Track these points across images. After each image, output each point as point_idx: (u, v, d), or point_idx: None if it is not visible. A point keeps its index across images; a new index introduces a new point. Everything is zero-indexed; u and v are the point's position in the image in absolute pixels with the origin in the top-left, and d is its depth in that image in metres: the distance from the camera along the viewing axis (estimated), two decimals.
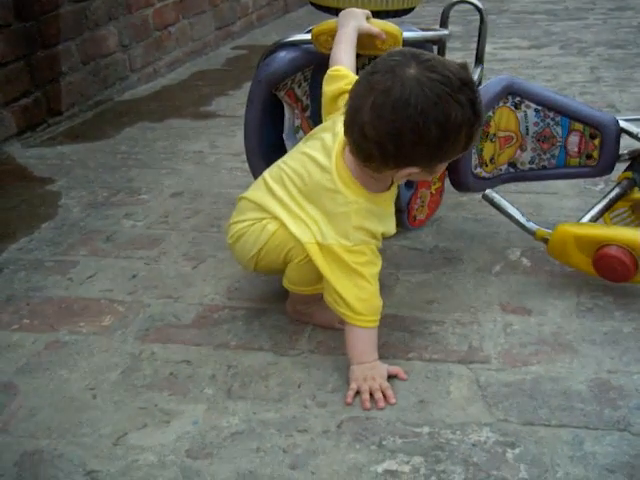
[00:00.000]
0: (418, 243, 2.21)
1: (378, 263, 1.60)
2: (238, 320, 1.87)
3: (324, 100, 1.75)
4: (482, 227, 2.30)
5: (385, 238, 1.64)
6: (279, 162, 1.70)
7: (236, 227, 1.70)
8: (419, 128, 1.38)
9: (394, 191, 1.64)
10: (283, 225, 1.60)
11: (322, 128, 1.68)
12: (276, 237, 1.63)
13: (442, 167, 1.53)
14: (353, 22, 1.81)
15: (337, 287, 1.56)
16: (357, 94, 1.44)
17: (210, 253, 2.22)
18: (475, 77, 2.15)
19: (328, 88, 1.72)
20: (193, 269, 2.14)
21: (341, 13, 1.83)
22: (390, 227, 1.65)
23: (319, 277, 1.61)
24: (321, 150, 1.60)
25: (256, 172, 1.98)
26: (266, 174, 1.70)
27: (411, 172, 1.48)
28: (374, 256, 1.59)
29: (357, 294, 1.55)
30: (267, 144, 2.03)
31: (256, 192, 1.69)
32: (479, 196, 2.11)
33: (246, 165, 2.14)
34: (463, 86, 1.39)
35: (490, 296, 1.93)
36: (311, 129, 1.98)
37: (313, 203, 1.58)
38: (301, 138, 1.95)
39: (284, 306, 1.86)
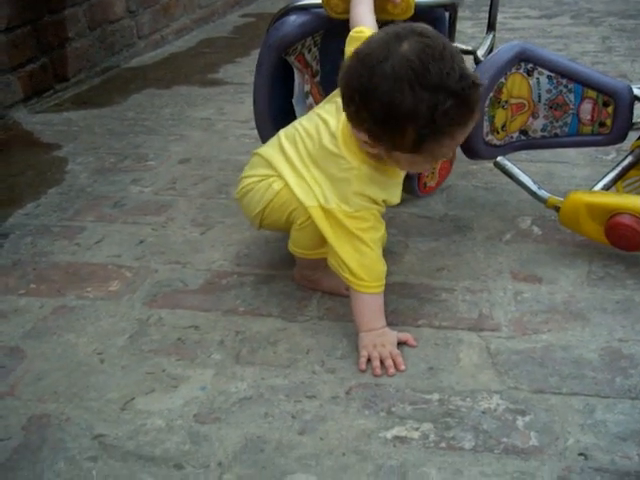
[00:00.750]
0: (428, 211, 2.20)
1: (380, 228, 1.60)
2: (246, 286, 1.86)
3: (347, 54, 1.68)
4: (493, 195, 2.28)
5: (388, 206, 1.64)
6: (295, 122, 1.71)
7: (245, 181, 1.71)
8: (366, 94, 1.38)
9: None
10: (287, 185, 1.61)
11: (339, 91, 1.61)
12: (280, 196, 1.63)
13: (400, 158, 1.48)
14: None
15: (340, 252, 1.55)
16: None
17: (218, 219, 2.21)
18: (487, 44, 2.17)
19: (349, 49, 1.66)
20: (201, 235, 2.13)
21: None
22: (394, 196, 1.64)
23: (322, 241, 1.61)
24: (334, 114, 1.59)
25: (265, 138, 1.96)
26: (282, 132, 1.70)
27: (365, 140, 1.47)
28: (376, 221, 1.58)
29: (359, 259, 1.55)
30: (276, 109, 2.01)
31: (268, 149, 1.69)
32: (490, 164, 2.11)
33: (254, 132, 2.12)
34: (439, 88, 1.34)
35: (500, 264, 1.91)
36: (321, 94, 2.02)
37: (320, 166, 1.58)
38: (311, 104, 1.98)
39: (292, 273, 1.86)
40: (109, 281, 1.92)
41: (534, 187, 1.99)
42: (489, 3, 2.25)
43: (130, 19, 3.88)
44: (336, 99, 1.61)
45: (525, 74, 1.99)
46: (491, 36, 2.18)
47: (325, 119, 1.61)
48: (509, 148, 2.08)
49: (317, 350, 1.62)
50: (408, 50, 1.34)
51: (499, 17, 3.79)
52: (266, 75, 1.97)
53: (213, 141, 2.82)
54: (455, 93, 1.34)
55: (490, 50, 2.16)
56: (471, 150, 2.03)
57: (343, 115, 1.51)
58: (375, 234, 1.58)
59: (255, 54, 2.04)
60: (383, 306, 1.61)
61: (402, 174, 1.65)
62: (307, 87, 2.02)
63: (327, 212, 1.56)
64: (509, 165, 2.01)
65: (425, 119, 1.35)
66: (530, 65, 1.98)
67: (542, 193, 1.97)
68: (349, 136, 1.53)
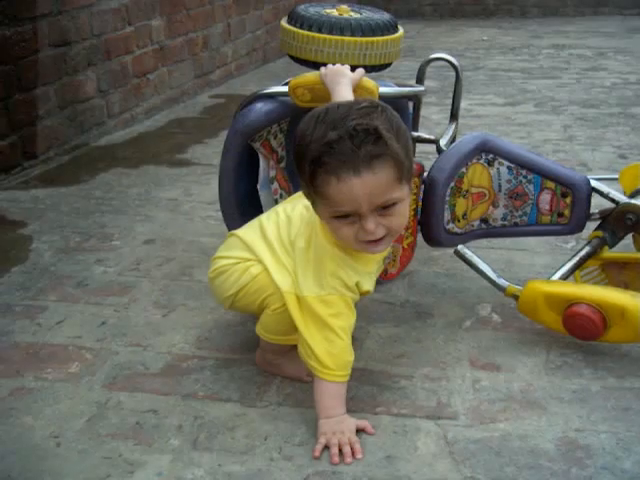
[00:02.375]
0: (389, 297, 2.19)
1: (351, 317, 1.58)
2: (206, 370, 1.84)
3: None
4: (453, 282, 2.28)
5: (362, 294, 1.63)
6: (278, 207, 1.71)
7: (220, 262, 1.68)
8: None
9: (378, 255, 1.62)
10: (266, 270, 1.59)
11: None
12: (257, 281, 1.61)
13: (322, 212, 1.50)
14: (345, 79, 1.83)
15: (309, 340, 1.54)
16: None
17: (181, 301, 2.19)
18: (449, 133, 2.19)
19: None
20: (163, 317, 2.11)
21: (328, 72, 1.84)
22: (367, 282, 1.62)
23: (293, 327, 1.60)
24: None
25: (229, 221, 2.01)
26: (263, 217, 1.70)
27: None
28: (347, 308, 1.57)
29: (327, 348, 1.54)
30: (241, 193, 2.03)
31: (248, 232, 1.68)
32: (451, 251, 2.11)
33: (220, 214, 2.13)
34: (336, 124, 1.38)
35: (460, 351, 1.91)
36: (286, 180, 2.07)
37: (298, 252, 1.58)
38: (276, 189, 2.02)
39: (253, 357, 1.84)
40: (69, 362, 1.89)
41: (493, 275, 2.00)
42: (453, 95, 2.28)
43: (101, 98, 3.92)
44: None
45: (486, 164, 2.02)
46: (454, 126, 2.21)
47: (306, 206, 1.61)
48: (470, 236, 2.10)
49: (275, 436, 1.60)
50: (339, 108, 1.41)
51: (465, 104, 4.10)
52: (232, 160, 2.01)
53: (179, 222, 2.81)
54: (347, 130, 1.37)
55: (453, 140, 2.19)
56: (432, 238, 2.05)
57: None
58: (346, 322, 1.57)
59: (223, 135, 2.08)
60: (345, 394, 1.59)
61: (373, 264, 1.64)
62: (272, 173, 2.05)
63: (301, 300, 1.55)
64: (469, 254, 2.03)
65: (315, 150, 1.39)
66: (491, 156, 2.02)
67: (501, 282, 1.98)
68: (323, 225, 1.55)
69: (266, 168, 2.03)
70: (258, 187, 2.02)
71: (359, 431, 1.60)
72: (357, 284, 1.58)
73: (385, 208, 1.44)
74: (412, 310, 2.14)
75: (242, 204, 2.04)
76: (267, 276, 1.59)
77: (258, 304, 1.63)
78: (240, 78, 5.50)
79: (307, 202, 1.56)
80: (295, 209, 1.65)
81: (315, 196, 1.44)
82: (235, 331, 2.02)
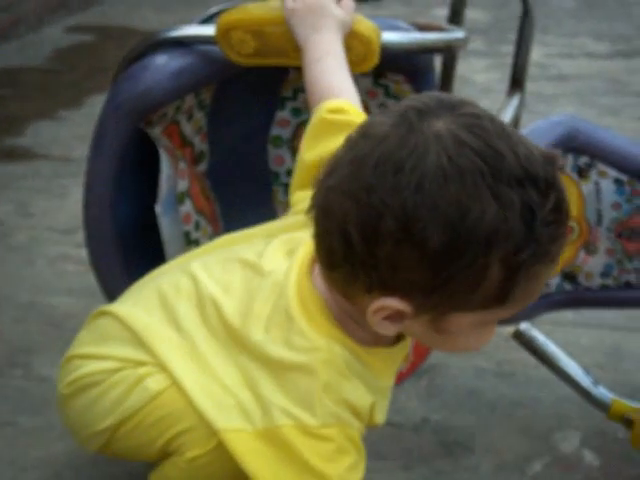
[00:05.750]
0: (395, 413, 1.52)
1: (360, 463, 1.17)
2: None
3: (306, 161, 1.32)
4: (510, 388, 1.68)
5: (368, 426, 1.21)
6: (195, 265, 1.28)
7: (85, 366, 1.23)
8: (406, 221, 0.98)
9: (404, 348, 1.24)
10: (177, 385, 1.17)
11: (287, 224, 1.31)
12: (160, 404, 1.19)
13: (459, 323, 1.08)
14: (329, 21, 1.43)
15: None
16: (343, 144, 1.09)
17: (5, 418, 1.54)
18: (509, 113, 1.72)
19: (319, 144, 1.29)
20: None
21: (298, 5, 1.43)
22: (383, 409, 1.24)
23: None
24: (279, 256, 1.23)
25: (102, 267, 1.53)
26: (164, 280, 1.28)
27: (391, 307, 1.04)
28: (353, 447, 1.14)
29: None
30: (126, 219, 1.50)
31: (138, 308, 1.25)
32: (505, 332, 1.57)
33: (83, 252, 1.59)
34: (526, 180, 0.99)
35: None
36: (206, 196, 1.65)
37: (251, 348, 1.18)
38: (187, 214, 1.55)
39: None
40: None
41: (586, 381, 1.47)
42: (515, 41, 1.71)
43: None
44: (280, 235, 1.27)
45: (575, 175, 1.49)
46: (517, 99, 1.71)
47: (258, 265, 1.22)
48: (541, 305, 1.56)
49: None
50: (450, 130, 1.01)
51: (537, 54, 2.98)
52: (111, 157, 1.46)
53: (7, 266, 2.05)
54: (549, 184, 1.01)
55: (515, 124, 1.73)
56: None
57: (299, 260, 1.18)
58: (354, 472, 1.15)
59: (92, 104, 1.99)
60: None
61: (394, 370, 1.26)
62: (183, 184, 1.53)
63: (265, 436, 1.15)
64: (540, 339, 1.50)
65: (520, 235, 1.01)
66: (585, 159, 1.49)
67: (600, 393, 1.47)
68: (310, 293, 1.16)
69: (172, 174, 1.49)
70: (157, 209, 1.47)
71: None
72: (371, 407, 1.19)
73: None
74: (434, 439, 1.54)
75: (127, 237, 1.49)
76: (181, 397, 1.17)
77: (159, 446, 1.20)
78: None
79: (262, 260, 1.22)
80: (228, 270, 1.26)
81: (483, 308, 1.06)
82: (105, 476, 1.43)
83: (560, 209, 1.02)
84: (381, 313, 1.05)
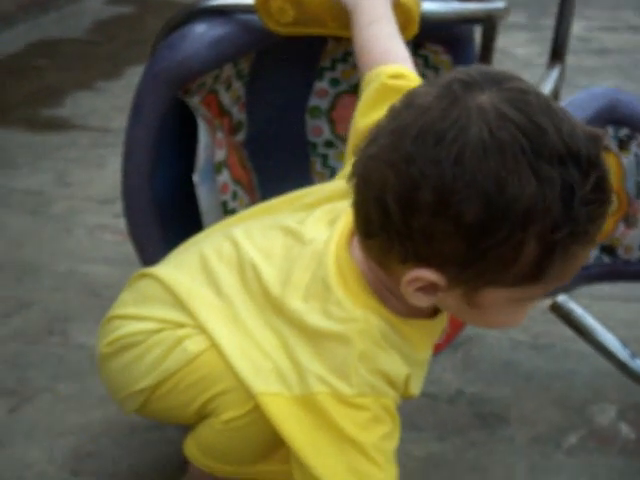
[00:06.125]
0: (430, 384, 1.50)
1: (395, 432, 1.16)
2: None
3: (360, 129, 1.29)
4: (546, 361, 1.66)
5: (404, 398, 1.21)
6: (237, 231, 1.27)
7: (125, 327, 1.23)
8: (443, 191, 0.97)
9: (442, 321, 1.23)
10: (216, 348, 1.17)
11: (330, 192, 1.29)
12: (199, 366, 1.18)
13: (492, 299, 1.06)
14: None
15: (322, 476, 1.12)
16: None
17: (43, 384, 1.54)
18: (549, 85, 1.69)
19: (375, 110, 1.26)
20: (10, 414, 1.47)
21: None
22: (417, 378, 1.23)
23: (264, 450, 1.21)
24: (321, 226, 1.23)
25: (140, 239, 1.51)
26: (206, 245, 1.28)
27: (425, 279, 1.04)
28: (389, 417, 1.14)
29: None
30: (164, 188, 1.49)
31: (179, 272, 1.25)
32: (542, 306, 1.59)
33: (120, 222, 1.62)
34: (567, 157, 0.97)
35: None
36: (243, 166, 1.63)
37: (289, 315, 1.17)
38: (225, 183, 1.54)
39: None
40: None
41: (623, 353, 1.48)
42: (556, 14, 1.68)
43: None
44: (322, 205, 1.27)
45: (615, 147, 1.48)
46: (556, 72, 1.67)
47: (300, 233, 1.22)
48: (579, 278, 1.51)
49: None
50: (493, 103, 1.00)
51: (580, 26, 3.08)
52: (149, 127, 1.46)
53: (45, 235, 2.07)
54: (591, 163, 0.98)
55: (555, 97, 1.68)
56: None
57: (338, 230, 1.17)
58: (387, 440, 1.15)
59: (130, 76, 1.97)
60: None
61: (430, 343, 1.26)
62: (221, 153, 1.53)
63: (300, 402, 1.14)
64: (577, 311, 1.49)
65: (559, 213, 0.99)
66: (626, 131, 1.48)
67: (637, 365, 1.47)
68: (348, 263, 1.16)
69: (210, 143, 1.50)
70: (195, 178, 1.48)
71: None
72: (407, 379, 1.18)
73: None
74: (469, 411, 1.53)
75: (165, 207, 1.48)
76: (219, 359, 1.17)
77: (196, 408, 1.20)
78: None
79: (304, 228, 1.21)
80: (269, 237, 1.26)
81: (518, 284, 1.04)
82: (142, 442, 1.42)
83: (602, 189, 1.01)
84: (415, 284, 1.04)
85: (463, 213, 0.96)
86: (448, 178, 0.96)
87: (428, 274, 1.01)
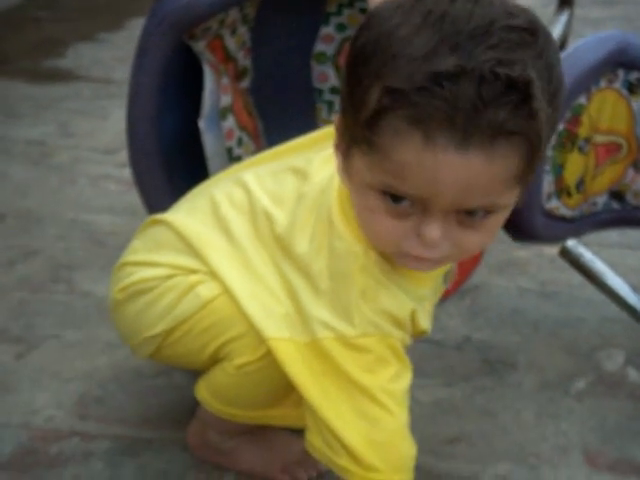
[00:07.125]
0: (438, 331, 1.58)
1: (406, 372, 1.15)
2: (95, 459, 1.29)
3: None
4: (553, 307, 1.67)
5: (416, 335, 1.20)
6: (247, 175, 1.27)
7: (137, 273, 1.24)
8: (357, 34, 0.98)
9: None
10: (229, 293, 1.17)
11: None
12: (211, 311, 1.19)
13: (356, 166, 1.01)
14: None
15: (330, 419, 1.12)
16: None
17: (49, 331, 1.55)
18: (557, 30, 1.69)
19: None
20: (17, 360, 1.48)
21: None
22: (424, 311, 1.20)
23: (276, 395, 1.22)
24: (324, 164, 1.20)
25: (146, 183, 1.50)
26: (217, 191, 1.27)
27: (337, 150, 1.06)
28: (395, 358, 1.14)
29: (367, 432, 1.12)
30: (170, 136, 1.48)
31: (189, 218, 1.25)
32: (550, 251, 1.71)
33: (124, 172, 1.70)
34: (468, 46, 0.90)
35: (566, 436, 1.36)
36: (249, 112, 1.61)
37: (298, 261, 1.16)
38: (230, 129, 1.52)
39: (183, 436, 1.33)
40: None
41: (633, 298, 1.48)
42: None
43: None
44: (322, 143, 1.24)
45: (625, 90, 1.45)
46: (565, 17, 1.67)
47: (307, 172, 1.20)
48: (589, 223, 1.54)
49: None
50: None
51: None
52: (153, 73, 1.45)
53: (49, 185, 2.08)
54: (478, 68, 0.88)
55: (563, 42, 1.69)
56: (519, 225, 1.49)
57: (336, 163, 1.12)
58: (396, 381, 1.14)
59: (132, 27, 2.00)
60: None
61: (428, 282, 1.21)
62: (226, 99, 1.51)
63: (307, 347, 1.14)
64: (587, 256, 1.49)
65: (404, 75, 0.91)
66: (636, 75, 1.43)
67: None
68: (348, 200, 1.13)
69: (215, 89, 1.48)
70: (200, 124, 1.47)
71: None
72: (412, 315, 1.16)
73: (469, 214, 0.99)
74: (477, 357, 1.54)
75: (171, 154, 1.47)
76: (231, 304, 1.17)
77: (209, 353, 1.21)
78: None
79: (310, 167, 1.20)
80: (279, 180, 1.25)
81: (362, 144, 0.98)
82: (149, 386, 1.43)
83: (460, 95, 0.93)
84: (337, 157, 1.05)
85: (355, 45, 0.97)
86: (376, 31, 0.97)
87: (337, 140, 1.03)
